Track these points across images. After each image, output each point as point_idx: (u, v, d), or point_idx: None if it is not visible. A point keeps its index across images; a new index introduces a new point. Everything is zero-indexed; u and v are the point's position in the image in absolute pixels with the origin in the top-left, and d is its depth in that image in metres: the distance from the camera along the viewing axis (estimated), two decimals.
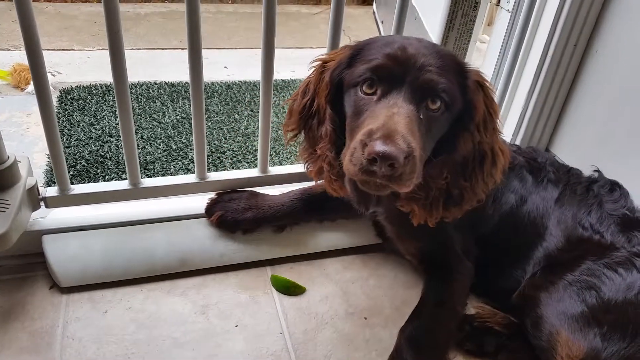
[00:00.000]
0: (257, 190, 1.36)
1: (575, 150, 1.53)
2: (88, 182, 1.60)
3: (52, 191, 1.21)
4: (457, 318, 1.14)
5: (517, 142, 1.58)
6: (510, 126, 1.59)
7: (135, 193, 1.26)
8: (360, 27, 3.34)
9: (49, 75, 2.28)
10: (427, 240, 1.18)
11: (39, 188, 1.20)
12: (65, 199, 1.21)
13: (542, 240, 1.18)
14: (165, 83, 2.23)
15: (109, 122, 1.91)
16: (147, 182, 1.27)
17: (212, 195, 1.32)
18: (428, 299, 1.13)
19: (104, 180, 1.62)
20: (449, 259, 1.16)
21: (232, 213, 1.28)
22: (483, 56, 1.88)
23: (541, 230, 1.18)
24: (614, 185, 1.24)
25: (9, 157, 1.11)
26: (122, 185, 1.25)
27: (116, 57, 1.07)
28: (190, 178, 1.31)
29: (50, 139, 1.13)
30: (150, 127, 1.92)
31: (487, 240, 1.19)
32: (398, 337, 1.11)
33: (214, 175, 1.33)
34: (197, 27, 1.08)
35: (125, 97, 1.12)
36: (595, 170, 1.28)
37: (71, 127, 1.87)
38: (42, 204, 1.21)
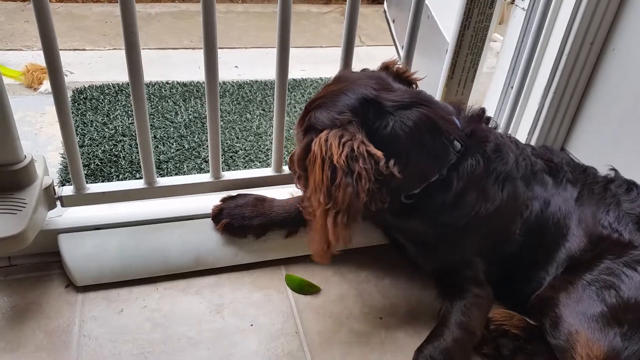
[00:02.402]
0: (265, 194, 1.33)
1: (591, 149, 1.51)
2: (102, 182, 1.61)
3: (67, 190, 1.22)
4: (475, 342, 1.12)
5: (533, 142, 1.57)
6: (525, 125, 1.58)
7: (151, 192, 1.26)
8: (370, 26, 3.34)
9: None
10: (448, 264, 1.18)
11: (55, 187, 1.21)
12: (81, 198, 1.21)
13: (565, 240, 1.17)
14: (177, 83, 2.24)
15: (121, 122, 1.92)
16: (162, 181, 1.27)
17: (217, 202, 1.30)
18: (448, 321, 1.10)
19: (118, 180, 1.62)
20: (470, 284, 1.15)
21: (239, 220, 1.26)
22: (495, 55, 1.87)
23: (564, 231, 1.17)
24: (631, 185, 1.23)
25: (25, 157, 1.12)
26: (138, 184, 1.25)
27: (132, 57, 1.07)
28: (205, 177, 1.31)
29: (66, 138, 1.13)
30: (163, 127, 1.92)
31: (512, 252, 1.17)
32: (415, 356, 1.08)
33: (229, 175, 1.33)
34: (213, 25, 1.08)
35: (141, 97, 1.12)
36: (611, 169, 1.27)
37: (84, 126, 1.88)
38: (58, 203, 1.22)
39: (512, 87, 1.47)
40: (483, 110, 1.16)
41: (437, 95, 1.36)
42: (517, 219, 1.15)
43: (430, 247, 1.17)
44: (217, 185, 1.31)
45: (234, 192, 1.32)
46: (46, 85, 2.05)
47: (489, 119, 1.19)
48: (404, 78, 1.11)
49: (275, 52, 1.18)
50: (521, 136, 1.59)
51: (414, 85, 1.13)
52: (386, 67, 1.11)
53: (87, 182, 1.23)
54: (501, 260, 1.18)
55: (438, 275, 1.21)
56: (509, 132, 1.55)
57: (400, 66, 1.13)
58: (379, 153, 0.94)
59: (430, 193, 1.06)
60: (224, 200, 1.30)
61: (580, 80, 1.47)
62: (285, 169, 1.37)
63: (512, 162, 1.14)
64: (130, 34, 1.04)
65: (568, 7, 1.39)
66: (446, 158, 1.04)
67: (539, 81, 1.51)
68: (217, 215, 1.27)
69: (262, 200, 1.30)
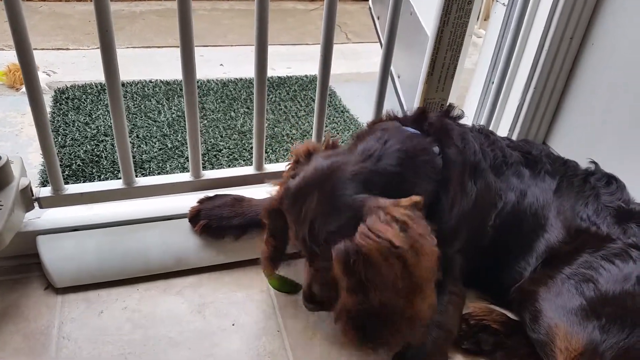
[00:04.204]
0: (244, 194, 1.32)
1: (573, 143, 1.52)
2: (84, 182, 1.60)
3: (45, 191, 1.20)
4: (452, 340, 1.11)
5: (514, 137, 1.57)
6: (507, 120, 1.58)
7: (130, 192, 1.25)
8: (356, 23, 3.33)
9: (44, 75, 2.29)
10: None
11: (33, 188, 1.20)
12: (59, 199, 1.20)
13: (543, 231, 1.17)
14: (161, 81, 2.22)
15: (104, 121, 1.90)
16: (142, 181, 1.26)
17: (194, 203, 1.28)
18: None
19: (100, 180, 1.61)
20: (447, 281, 1.12)
21: (217, 221, 1.25)
22: (479, 51, 1.87)
23: (542, 222, 1.17)
24: (611, 179, 1.23)
25: (1, 158, 1.10)
26: (116, 184, 1.24)
27: (108, 56, 1.06)
28: (185, 176, 1.30)
29: (43, 138, 1.12)
30: (146, 126, 1.91)
31: (489, 244, 1.17)
32: None
33: (209, 174, 1.32)
34: (189, 24, 1.07)
35: (117, 95, 1.11)
36: (591, 163, 1.27)
37: (66, 126, 1.87)
38: (36, 204, 1.21)
39: (493, 83, 1.48)
40: (422, 110, 1.15)
41: (418, 92, 1.36)
42: (491, 210, 1.15)
43: None
44: (197, 185, 1.30)
45: (211, 193, 1.31)
46: None
47: (448, 111, 1.18)
48: (334, 144, 1.09)
49: (254, 50, 1.18)
50: (502, 132, 1.59)
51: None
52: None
53: (69, 182, 1.23)
54: (477, 253, 1.18)
55: None
56: (485, 126, 1.54)
57: (326, 143, 1.10)
58: (414, 198, 0.89)
59: (438, 196, 1.05)
60: (201, 201, 1.28)
61: (561, 75, 1.47)
62: (267, 167, 1.36)
63: (479, 151, 1.13)
64: (105, 32, 1.03)
65: (547, 2, 1.40)
66: (436, 168, 1.04)
67: (520, 76, 1.51)
68: (194, 217, 1.26)
69: (240, 200, 1.29)
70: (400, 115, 1.16)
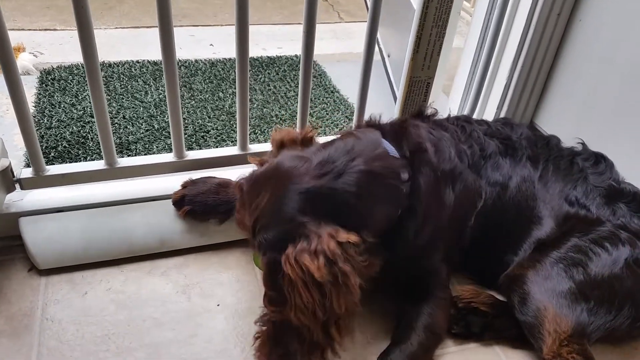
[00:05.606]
0: (230, 174, 1.29)
1: (561, 121, 1.51)
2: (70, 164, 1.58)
3: (26, 172, 1.19)
4: (439, 344, 1.10)
5: (502, 116, 1.56)
6: (494, 99, 1.57)
7: (112, 173, 1.24)
8: (349, 2, 3.29)
9: (30, 56, 2.25)
10: (414, 272, 1.11)
11: (14, 170, 1.18)
12: (40, 180, 1.19)
13: (530, 223, 1.16)
14: (148, 61, 2.20)
15: (90, 103, 1.88)
16: (124, 161, 1.25)
17: (179, 185, 1.26)
18: (415, 324, 1.07)
19: (86, 161, 1.60)
20: (436, 289, 1.11)
21: (202, 207, 1.23)
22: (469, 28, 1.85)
23: (528, 213, 1.16)
24: (599, 158, 1.22)
25: None
26: (98, 165, 1.23)
27: (84, 34, 1.04)
28: (168, 157, 1.28)
29: (21, 119, 1.11)
30: (133, 107, 1.89)
31: (473, 242, 1.15)
32: None
33: (193, 154, 1.31)
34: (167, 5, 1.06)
35: (95, 73, 1.10)
36: (579, 142, 1.26)
37: (52, 108, 1.85)
38: (17, 186, 1.20)
39: (480, 60, 1.46)
40: (404, 120, 1.12)
41: (404, 70, 1.34)
42: (471, 211, 1.12)
43: (402, 267, 1.08)
44: (180, 165, 1.29)
45: (195, 175, 1.28)
46: None
47: (421, 112, 1.15)
48: (309, 139, 1.05)
49: (235, 29, 1.16)
50: (490, 112, 1.58)
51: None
52: (293, 141, 1.04)
53: (54, 164, 1.21)
54: (462, 251, 1.16)
55: (404, 285, 1.13)
56: (467, 110, 1.53)
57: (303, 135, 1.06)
58: (352, 237, 0.87)
59: (401, 222, 1.01)
60: (185, 185, 1.26)
61: (548, 53, 1.46)
62: (251, 147, 1.35)
63: (454, 156, 1.10)
64: (81, 9, 1.01)
65: None
66: (400, 194, 0.99)
67: (507, 54, 1.49)
68: (178, 201, 1.24)
69: (225, 185, 1.25)
70: (383, 122, 1.11)
